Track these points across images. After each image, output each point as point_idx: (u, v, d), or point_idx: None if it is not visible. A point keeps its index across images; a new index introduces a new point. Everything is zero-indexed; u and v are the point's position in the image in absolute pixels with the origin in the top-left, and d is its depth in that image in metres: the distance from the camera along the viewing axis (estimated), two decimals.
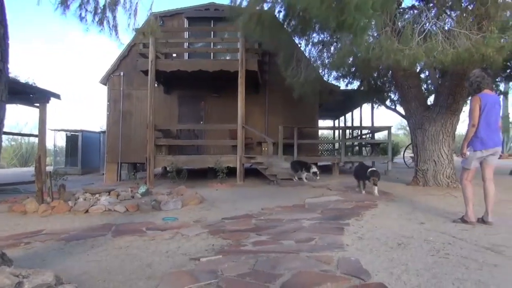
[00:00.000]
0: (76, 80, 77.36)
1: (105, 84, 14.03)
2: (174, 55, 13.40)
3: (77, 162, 18.97)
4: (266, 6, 8.24)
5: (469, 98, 6.60)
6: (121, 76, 13.79)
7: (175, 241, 4.31)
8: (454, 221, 4.85)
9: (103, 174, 14.44)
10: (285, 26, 8.83)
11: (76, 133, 19.52)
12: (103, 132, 17.08)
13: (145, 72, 11.52)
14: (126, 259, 3.60)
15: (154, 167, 11.45)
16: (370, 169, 7.59)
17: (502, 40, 6.13)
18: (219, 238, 4.33)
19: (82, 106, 69.10)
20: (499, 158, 4.87)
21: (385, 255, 3.42)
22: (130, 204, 6.71)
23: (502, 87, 13.80)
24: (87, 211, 6.39)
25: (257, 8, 8.03)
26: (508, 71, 10.71)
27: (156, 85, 12.11)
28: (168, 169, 11.57)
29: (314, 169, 10.29)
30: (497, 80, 11.20)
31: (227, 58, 13.47)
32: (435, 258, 3.29)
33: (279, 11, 8.44)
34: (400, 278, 2.79)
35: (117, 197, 7.31)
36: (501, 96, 14.99)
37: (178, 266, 3.31)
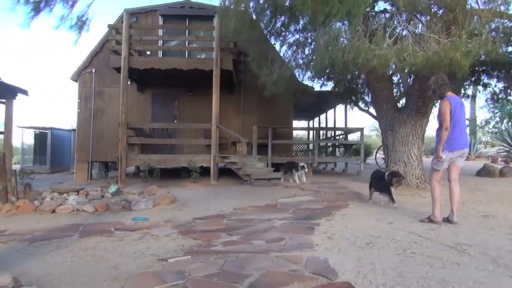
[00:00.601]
0: (46, 76, 75.20)
1: (76, 81, 13.61)
2: (148, 52, 13.17)
3: (46, 161, 18.42)
4: (247, 6, 8.22)
5: (438, 101, 6.77)
6: (92, 73, 13.42)
7: (144, 241, 4.23)
8: (421, 221, 4.97)
9: (73, 173, 14.05)
10: (261, 25, 8.84)
11: (45, 131, 18.94)
12: (74, 130, 16.63)
13: (118, 69, 11.25)
14: (92, 261, 3.51)
15: (126, 166, 11.22)
16: (388, 172, 6.67)
17: (469, 45, 6.32)
18: (189, 239, 4.28)
19: (52, 103, 67.25)
20: (465, 160, 5.03)
21: (353, 254, 3.46)
22: (99, 204, 6.54)
23: (470, 91, 14.24)
24: (54, 211, 6.20)
25: (239, 8, 8.03)
26: (476, 75, 11.09)
27: (129, 82, 11.86)
28: (140, 168, 11.37)
29: (302, 163, 10.38)
30: (465, 84, 11.55)
31: (202, 56, 13.36)
32: (401, 257, 3.35)
33: (255, 10, 8.42)
34: (367, 277, 2.82)
35: (86, 197, 7.10)
36: (469, 100, 15.49)
37: (145, 267, 3.25)
